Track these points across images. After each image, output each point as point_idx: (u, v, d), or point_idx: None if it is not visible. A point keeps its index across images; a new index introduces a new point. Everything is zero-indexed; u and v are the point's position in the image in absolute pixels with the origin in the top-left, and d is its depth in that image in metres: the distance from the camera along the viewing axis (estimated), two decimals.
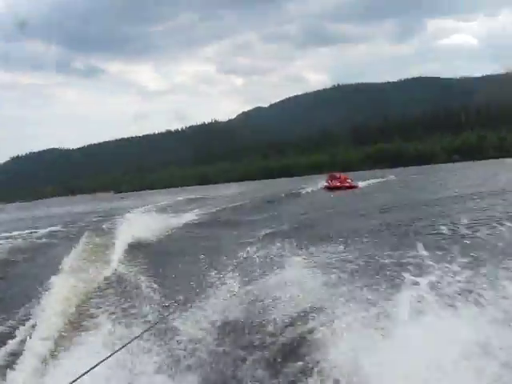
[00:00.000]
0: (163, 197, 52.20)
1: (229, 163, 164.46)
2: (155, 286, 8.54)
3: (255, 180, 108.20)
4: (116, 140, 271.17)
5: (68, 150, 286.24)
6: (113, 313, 7.04)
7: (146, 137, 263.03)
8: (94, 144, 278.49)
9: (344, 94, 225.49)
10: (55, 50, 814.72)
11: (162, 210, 28.58)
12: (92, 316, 7.02)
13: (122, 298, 7.97)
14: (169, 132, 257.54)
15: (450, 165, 79.35)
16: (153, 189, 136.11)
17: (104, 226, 19.44)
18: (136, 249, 13.63)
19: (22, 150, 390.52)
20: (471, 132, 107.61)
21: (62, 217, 35.10)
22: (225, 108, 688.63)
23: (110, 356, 3.73)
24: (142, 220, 18.73)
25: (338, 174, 41.46)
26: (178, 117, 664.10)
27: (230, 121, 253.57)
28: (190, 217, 22.91)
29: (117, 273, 10.28)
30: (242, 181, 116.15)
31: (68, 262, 10.69)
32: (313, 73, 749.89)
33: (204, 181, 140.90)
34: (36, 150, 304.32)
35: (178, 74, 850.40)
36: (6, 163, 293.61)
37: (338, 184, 37.68)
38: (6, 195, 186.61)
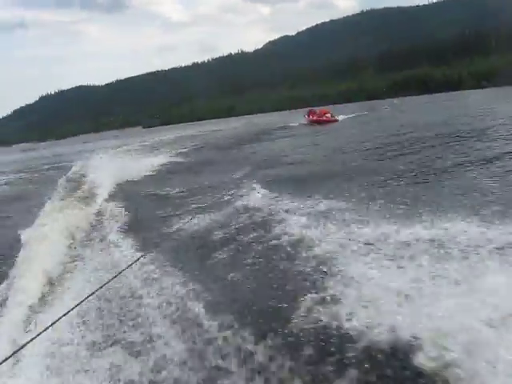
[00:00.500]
0: (180, 131, 56.64)
1: (257, 94, 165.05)
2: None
3: (283, 111, 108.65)
4: (142, 74, 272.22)
5: (95, 87, 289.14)
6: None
7: (173, 70, 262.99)
8: (121, 79, 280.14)
9: (372, 19, 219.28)
10: None
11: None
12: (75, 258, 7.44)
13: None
14: (195, 64, 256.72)
15: (478, 91, 78.63)
16: (181, 122, 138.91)
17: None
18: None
19: (50, 88, 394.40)
20: (501, 56, 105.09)
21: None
22: (251, 38, 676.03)
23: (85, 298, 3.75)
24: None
25: (317, 110, 43.56)
26: (204, 48, 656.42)
27: (256, 51, 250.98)
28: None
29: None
30: (271, 111, 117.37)
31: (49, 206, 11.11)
32: None
33: (232, 113, 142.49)
34: (64, 88, 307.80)
35: (202, 4, 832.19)
36: (35, 103, 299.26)
37: (315, 118, 40.34)
38: (37, 134, 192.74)
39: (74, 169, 18.33)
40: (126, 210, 10.82)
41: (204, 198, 10.72)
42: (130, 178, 16.26)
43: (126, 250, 7.37)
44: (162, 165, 19.99)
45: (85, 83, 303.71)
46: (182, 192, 12.32)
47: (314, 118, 40.88)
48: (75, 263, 7.16)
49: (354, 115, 45.35)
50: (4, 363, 2.75)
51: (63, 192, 13.41)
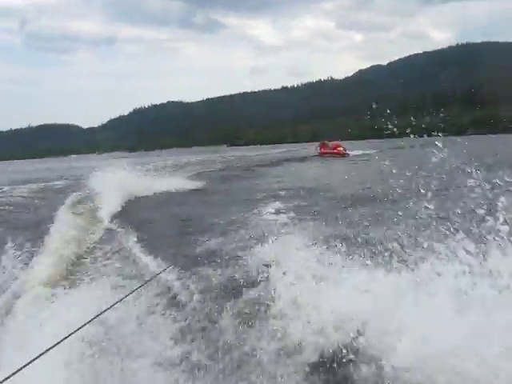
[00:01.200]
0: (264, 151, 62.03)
1: (343, 121, 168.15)
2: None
3: (365, 139, 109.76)
4: (232, 95, 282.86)
5: (187, 103, 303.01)
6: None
7: (263, 92, 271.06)
8: (211, 98, 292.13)
9: (466, 53, 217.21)
10: (178, 5, 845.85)
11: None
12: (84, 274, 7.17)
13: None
14: (284, 88, 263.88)
15: None
16: (262, 144, 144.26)
17: None
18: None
19: (144, 102, 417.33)
20: None
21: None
22: (342, 65, 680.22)
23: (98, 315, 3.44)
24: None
25: (329, 143, 45.55)
26: (294, 73, 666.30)
27: (346, 78, 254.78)
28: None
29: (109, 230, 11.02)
30: (353, 140, 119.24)
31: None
32: (435, 30, 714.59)
33: (314, 137, 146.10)
34: (157, 102, 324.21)
35: (295, 29, 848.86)
36: (129, 115, 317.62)
37: (327, 151, 43.25)
38: (127, 144, 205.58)
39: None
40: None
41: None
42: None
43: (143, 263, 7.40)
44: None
45: (176, 99, 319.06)
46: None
47: (326, 150, 43.58)
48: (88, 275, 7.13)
49: (374, 151, 47.17)
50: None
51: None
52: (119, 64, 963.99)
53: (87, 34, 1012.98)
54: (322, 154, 43.37)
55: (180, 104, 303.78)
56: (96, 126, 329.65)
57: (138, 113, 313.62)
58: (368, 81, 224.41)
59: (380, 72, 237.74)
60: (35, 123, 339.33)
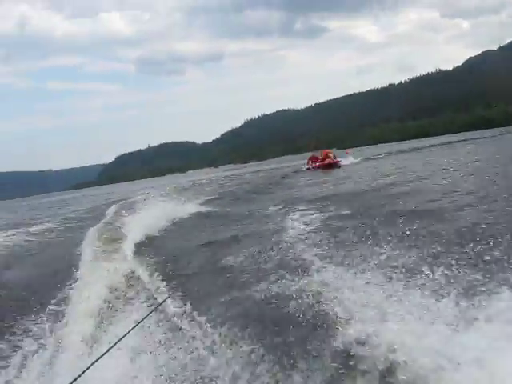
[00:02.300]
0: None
1: (452, 114, 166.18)
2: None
3: (477, 130, 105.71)
4: (339, 98, 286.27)
5: (296, 111, 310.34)
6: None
7: (369, 92, 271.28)
8: (319, 103, 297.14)
9: None
10: (278, 15, 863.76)
11: None
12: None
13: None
14: (391, 86, 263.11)
15: None
16: (369, 144, 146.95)
17: None
18: None
19: (254, 113, 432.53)
20: None
21: None
22: (450, 55, 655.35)
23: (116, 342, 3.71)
24: None
25: (318, 155, 42.80)
26: (401, 68, 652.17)
27: (455, 68, 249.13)
28: None
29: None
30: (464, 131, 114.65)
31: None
32: None
33: (421, 134, 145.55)
34: (267, 112, 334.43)
35: (398, 24, 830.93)
36: (240, 127, 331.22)
37: (318, 165, 40.14)
38: (241, 156, 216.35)
39: None
40: None
41: None
42: None
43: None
44: None
45: (285, 107, 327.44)
46: None
47: (316, 165, 40.41)
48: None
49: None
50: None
51: None
52: (227, 78, 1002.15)
53: (194, 53, 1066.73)
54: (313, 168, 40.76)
55: (289, 112, 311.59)
56: (210, 140, 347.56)
57: (249, 124, 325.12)
58: (479, 68, 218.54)
59: (491, 57, 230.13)
60: (154, 143, 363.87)
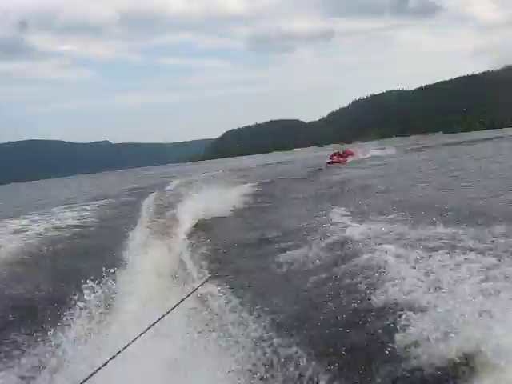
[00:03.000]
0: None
1: None
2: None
3: None
4: (452, 79, 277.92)
5: (404, 91, 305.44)
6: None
7: (485, 74, 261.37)
8: (430, 84, 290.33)
9: None
10: None
11: None
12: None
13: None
14: (509, 68, 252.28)
15: None
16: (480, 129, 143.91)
17: None
18: None
19: (362, 93, 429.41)
20: None
21: None
22: None
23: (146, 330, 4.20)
24: None
25: (341, 151, 48.04)
26: None
27: None
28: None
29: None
30: None
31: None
32: None
33: None
34: (375, 92, 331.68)
35: None
36: (348, 106, 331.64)
37: (340, 159, 44.90)
38: (346, 136, 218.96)
39: None
40: None
41: None
42: None
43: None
44: None
45: (394, 88, 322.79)
46: None
47: (339, 159, 44.68)
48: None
49: None
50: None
51: None
52: (337, 57, 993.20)
53: (304, 31, 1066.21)
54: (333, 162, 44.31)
55: (398, 93, 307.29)
56: (317, 119, 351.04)
57: (357, 104, 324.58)
58: None
59: None
60: (261, 120, 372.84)
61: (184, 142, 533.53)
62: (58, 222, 20.56)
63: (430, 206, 12.31)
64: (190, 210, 15.64)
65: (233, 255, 10.81)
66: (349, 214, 12.74)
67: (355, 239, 9.12)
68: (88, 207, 26.56)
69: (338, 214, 12.80)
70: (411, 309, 5.13)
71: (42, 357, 6.03)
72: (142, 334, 3.94)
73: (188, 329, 6.05)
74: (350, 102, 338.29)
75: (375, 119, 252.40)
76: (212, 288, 7.73)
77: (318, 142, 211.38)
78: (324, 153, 68.82)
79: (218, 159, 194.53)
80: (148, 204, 21.11)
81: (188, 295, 5.63)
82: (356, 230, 9.91)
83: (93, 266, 9.37)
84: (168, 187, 31.38)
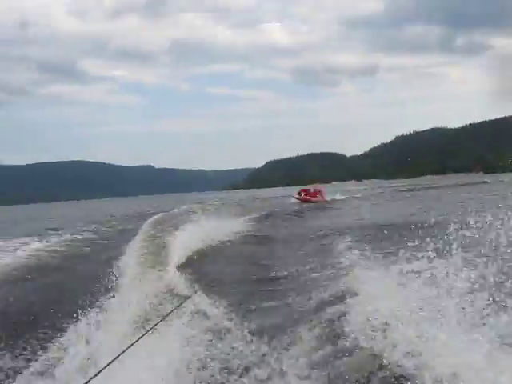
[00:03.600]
0: None
1: None
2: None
3: None
4: (495, 120, 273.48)
5: (449, 129, 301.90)
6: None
7: None
8: (475, 123, 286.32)
9: None
10: (437, 30, 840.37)
11: None
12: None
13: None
14: None
15: None
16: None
17: None
18: None
19: (406, 129, 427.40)
20: None
21: None
22: None
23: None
24: None
25: (311, 188, 46.99)
26: None
27: None
28: None
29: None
30: None
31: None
32: None
33: None
34: (420, 129, 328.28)
35: None
36: (391, 142, 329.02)
37: (307, 198, 44.24)
38: (385, 172, 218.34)
39: None
40: None
41: None
42: None
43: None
44: None
45: (439, 125, 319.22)
46: None
47: (306, 198, 44.21)
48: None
49: None
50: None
51: None
52: (380, 93, 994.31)
53: (348, 66, 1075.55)
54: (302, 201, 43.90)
55: (441, 130, 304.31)
56: (358, 154, 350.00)
57: (399, 140, 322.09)
58: None
59: None
60: (303, 152, 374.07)
61: (227, 170, 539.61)
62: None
63: None
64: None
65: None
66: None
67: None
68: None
69: None
70: None
71: None
72: (122, 353, 3.94)
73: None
74: (393, 137, 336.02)
75: (417, 156, 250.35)
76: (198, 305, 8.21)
77: (357, 177, 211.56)
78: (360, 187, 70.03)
79: (255, 189, 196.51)
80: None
81: (170, 312, 6.00)
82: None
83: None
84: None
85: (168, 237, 15.70)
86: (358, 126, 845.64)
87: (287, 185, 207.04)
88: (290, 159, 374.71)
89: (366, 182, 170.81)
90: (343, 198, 49.53)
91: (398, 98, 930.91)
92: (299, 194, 45.35)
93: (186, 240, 15.63)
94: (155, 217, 24.70)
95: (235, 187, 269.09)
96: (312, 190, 46.07)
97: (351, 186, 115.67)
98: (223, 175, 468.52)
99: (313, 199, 43.23)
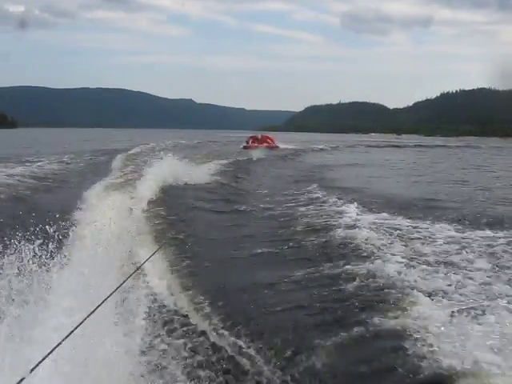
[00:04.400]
0: None
1: None
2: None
3: None
4: None
5: (496, 91, 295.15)
6: None
7: None
8: None
9: None
10: None
11: None
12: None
13: None
14: None
15: None
16: None
17: None
18: None
19: (453, 87, 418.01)
20: None
21: None
22: None
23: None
24: None
25: (259, 136, 48.82)
26: None
27: None
28: None
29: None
30: None
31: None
32: None
33: None
34: (467, 88, 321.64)
35: None
36: (436, 99, 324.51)
37: (255, 144, 44.88)
38: (430, 129, 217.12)
39: None
40: None
41: None
42: None
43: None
44: None
45: (487, 86, 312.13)
46: None
47: (255, 144, 45.19)
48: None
49: None
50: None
51: None
52: (431, 46, 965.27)
53: (401, 15, 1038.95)
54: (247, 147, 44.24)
55: (489, 91, 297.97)
56: (401, 107, 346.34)
57: (444, 97, 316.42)
58: None
59: None
60: (345, 100, 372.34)
61: (265, 111, 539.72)
62: None
63: None
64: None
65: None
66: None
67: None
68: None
69: None
70: None
71: None
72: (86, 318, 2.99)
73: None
74: (438, 94, 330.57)
75: (460, 115, 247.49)
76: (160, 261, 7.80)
77: (397, 130, 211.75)
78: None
79: (292, 132, 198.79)
80: None
81: (137, 268, 4.76)
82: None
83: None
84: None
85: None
86: (404, 78, 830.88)
87: (328, 131, 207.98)
88: (330, 106, 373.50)
89: (404, 136, 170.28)
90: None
91: (449, 53, 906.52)
92: (247, 142, 46.92)
93: None
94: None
95: (274, 129, 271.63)
96: (260, 137, 48.40)
97: (389, 138, 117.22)
98: (262, 115, 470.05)
99: (260, 146, 44.16)
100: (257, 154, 34.47)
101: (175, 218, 11.17)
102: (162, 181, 15.23)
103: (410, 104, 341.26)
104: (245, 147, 43.88)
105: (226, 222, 11.43)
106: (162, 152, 20.89)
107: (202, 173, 19.08)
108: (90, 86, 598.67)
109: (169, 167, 17.00)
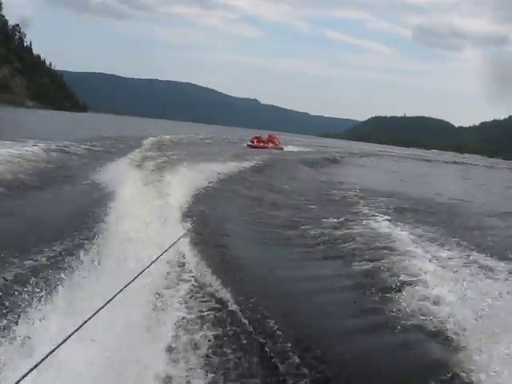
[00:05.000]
0: None
1: None
2: None
3: None
4: None
5: None
6: None
7: None
8: None
9: None
10: None
11: None
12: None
13: None
14: None
15: None
16: None
17: None
18: None
19: None
20: None
21: None
22: None
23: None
24: None
25: (264, 137, 47.44)
26: None
27: None
28: None
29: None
30: None
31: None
32: None
33: None
34: None
35: None
36: (504, 120, 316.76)
37: (261, 144, 44.49)
38: (493, 150, 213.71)
39: None
40: None
41: None
42: None
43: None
44: None
45: None
46: None
47: (260, 144, 44.70)
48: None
49: None
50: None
51: None
52: (506, 65, 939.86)
53: (475, 32, 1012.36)
54: (252, 147, 43.95)
55: None
56: (467, 125, 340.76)
57: None
58: None
59: None
60: (410, 113, 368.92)
61: (328, 118, 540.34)
62: None
63: None
64: None
65: None
66: None
67: None
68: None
69: None
70: None
71: None
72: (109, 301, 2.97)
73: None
74: (507, 115, 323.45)
75: None
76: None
77: (460, 149, 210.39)
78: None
79: (353, 141, 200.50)
80: None
81: (165, 251, 4.64)
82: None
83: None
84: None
85: None
86: (473, 96, 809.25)
87: (393, 144, 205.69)
88: (394, 118, 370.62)
89: (466, 155, 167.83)
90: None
91: None
92: (251, 141, 46.58)
93: None
94: None
95: (336, 136, 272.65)
96: (264, 138, 48.03)
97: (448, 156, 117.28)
98: (325, 122, 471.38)
99: (263, 146, 44.68)
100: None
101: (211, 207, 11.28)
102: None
103: (477, 123, 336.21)
104: (250, 146, 44.14)
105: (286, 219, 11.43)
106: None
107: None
108: (159, 78, 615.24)
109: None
